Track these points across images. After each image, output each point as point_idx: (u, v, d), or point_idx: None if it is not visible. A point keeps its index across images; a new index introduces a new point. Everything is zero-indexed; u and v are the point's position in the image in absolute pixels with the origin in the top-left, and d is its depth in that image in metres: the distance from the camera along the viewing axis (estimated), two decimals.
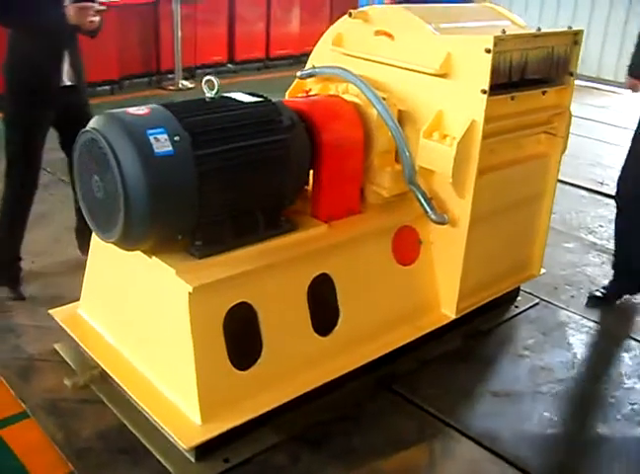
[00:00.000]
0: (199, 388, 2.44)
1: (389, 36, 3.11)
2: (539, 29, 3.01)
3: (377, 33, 3.14)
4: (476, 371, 3.18)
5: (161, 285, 2.54)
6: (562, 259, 4.23)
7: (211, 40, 8.15)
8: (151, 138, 2.32)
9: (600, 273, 4.12)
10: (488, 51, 2.76)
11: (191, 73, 8.01)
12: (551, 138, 3.37)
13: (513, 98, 3.01)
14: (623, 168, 3.61)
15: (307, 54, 3.39)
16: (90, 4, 3.23)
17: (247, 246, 2.63)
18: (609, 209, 5.10)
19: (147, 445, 2.58)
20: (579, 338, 3.45)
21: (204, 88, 2.62)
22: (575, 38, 3.18)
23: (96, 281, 2.99)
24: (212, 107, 2.57)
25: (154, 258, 2.52)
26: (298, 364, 2.72)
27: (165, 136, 2.35)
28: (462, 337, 3.35)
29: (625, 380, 3.15)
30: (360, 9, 3.22)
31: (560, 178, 3.51)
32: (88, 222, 2.57)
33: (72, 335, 2.95)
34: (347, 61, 3.22)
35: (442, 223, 3.00)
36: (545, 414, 2.91)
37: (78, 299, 3.20)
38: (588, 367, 3.24)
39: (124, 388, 2.67)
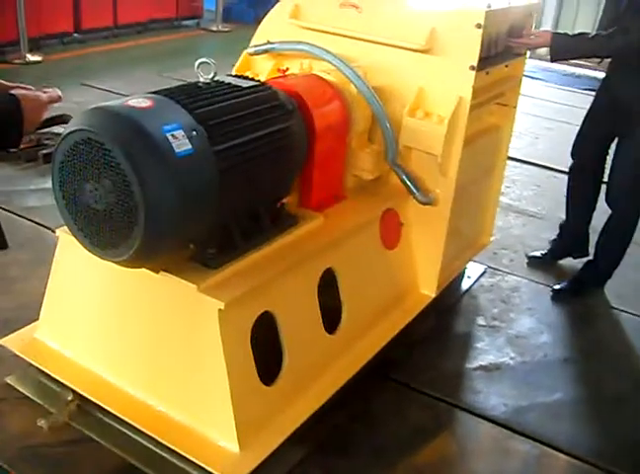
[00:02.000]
0: (234, 412, 2.17)
1: (356, 7, 2.92)
2: (509, 2, 2.98)
3: (344, 4, 2.94)
4: (460, 348, 3.19)
5: (177, 303, 2.22)
6: None
7: (56, 8, 7.27)
8: (169, 136, 1.98)
9: (527, 233, 4.30)
10: (479, 27, 2.68)
11: (36, 44, 7.12)
12: (503, 109, 3.40)
13: (487, 73, 2.97)
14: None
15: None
16: (47, 94, 1.87)
17: (257, 248, 2.37)
18: (509, 169, 5.33)
19: None
20: (536, 302, 3.57)
21: (198, 72, 2.29)
22: (533, 8, 3.21)
23: (63, 299, 2.54)
24: (214, 93, 2.25)
25: (163, 273, 2.18)
26: (317, 369, 2.54)
27: (181, 133, 2.00)
28: (435, 313, 3.32)
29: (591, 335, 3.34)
30: None
31: None
32: (77, 238, 2.15)
33: (42, 367, 2.51)
34: (307, 35, 2.99)
35: (429, 203, 2.92)
36: (541, 381, 2.98)
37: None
38: (556, 331, 3.37)
39: (130, 421, 2.32)
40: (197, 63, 2.29)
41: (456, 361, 3.08)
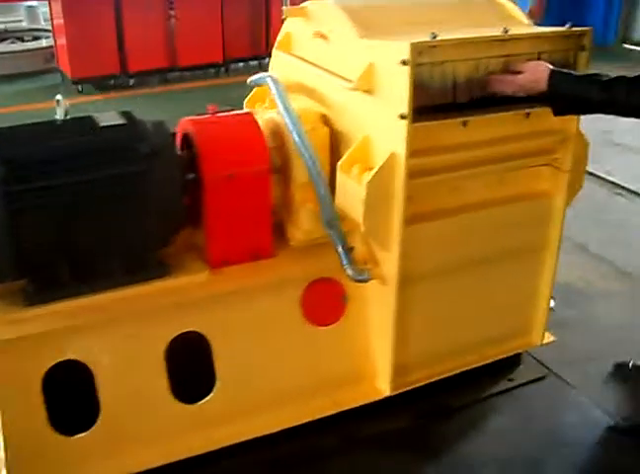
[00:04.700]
0: (10, 459, 2.15)
1: (324, 37, 2.51)
2: (506, 30, 2.22)
3: (315, 34, 2.55)
4: (404, 466, 2.51)
5: None
6: (604, 311, 3.28)
7: None
8: None
9: None
10: (404, 64, 2.07)
11: None
12: (556, 173, 2.55)
13: (465, 123, 2.27)
14: None
15: None
16: None
17: (98, 293, 2.25)
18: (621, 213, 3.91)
19: None
20: (575, 436, 2.61)
21: (56, 108, 2.27)
22: (579, 41, 2.33)
23: None
24: (56, 133, 2.20)
25: None
26: (147, 434, 2.33)
27: None
28: (413, 415, 2.68)
29: None
30: (301, 5, 2.62)
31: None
32: None
33: None
34: (295, 67, 2.66)
35: (361, 281, 2.38)
36: None
37: None
38: None
39: None
40: (55, 100, 2.26)
41: None
